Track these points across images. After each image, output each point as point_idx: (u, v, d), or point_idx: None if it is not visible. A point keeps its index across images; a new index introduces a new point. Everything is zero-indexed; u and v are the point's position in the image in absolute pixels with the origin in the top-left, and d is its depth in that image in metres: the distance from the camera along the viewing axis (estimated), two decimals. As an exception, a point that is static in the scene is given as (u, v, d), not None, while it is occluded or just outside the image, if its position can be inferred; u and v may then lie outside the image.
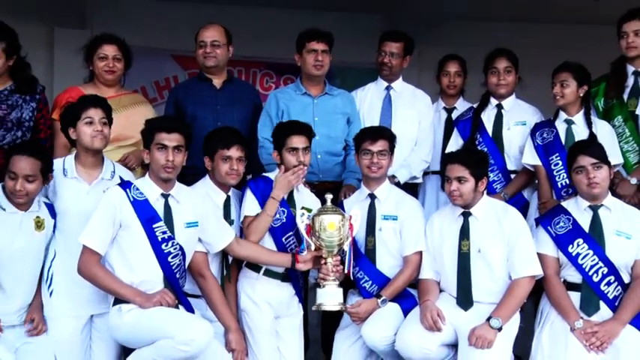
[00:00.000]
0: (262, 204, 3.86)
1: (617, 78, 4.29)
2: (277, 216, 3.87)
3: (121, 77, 4.35)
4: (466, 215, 3.82)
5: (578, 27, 7.60)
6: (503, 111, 4.46)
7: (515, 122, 4.42)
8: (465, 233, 3.80)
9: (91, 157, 3.75)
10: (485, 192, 3.87)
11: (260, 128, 4.37)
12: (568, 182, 3.97)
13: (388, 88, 4.65)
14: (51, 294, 3.67)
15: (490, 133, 4.43)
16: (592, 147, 3.81)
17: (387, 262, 3.96)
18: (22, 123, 3.90)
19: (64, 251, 3.67)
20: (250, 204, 3.88)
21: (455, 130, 4.58)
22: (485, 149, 4.35)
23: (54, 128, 4.11)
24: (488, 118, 4.48)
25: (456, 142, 4.51)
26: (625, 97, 4.26)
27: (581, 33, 7.33)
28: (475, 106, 4.55)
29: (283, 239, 3.90)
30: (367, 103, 4.63)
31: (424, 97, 4.72)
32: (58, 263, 3.68)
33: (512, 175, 4.41)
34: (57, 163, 3.78)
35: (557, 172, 4.15)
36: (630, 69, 4.27)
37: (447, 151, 4.43)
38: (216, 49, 4.39)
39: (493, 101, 4.48)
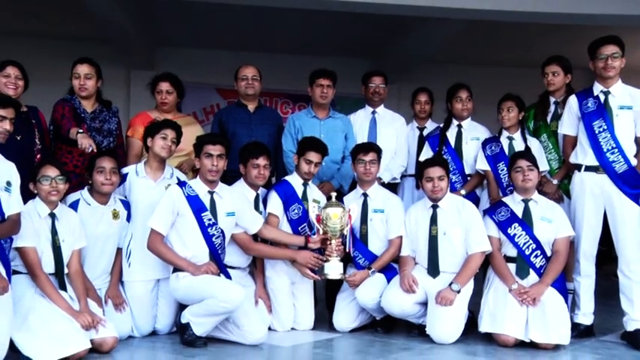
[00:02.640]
0: (284, 202, 3.88)
1: (543, 106, 4.27)
2: (295, 211, 3.89)
3: (177, 104, 4.30)
4: (435, 207, 3.84)
5: (515, 69, 7.61)
6: (462, 129, 4.43)
7: (471, 138, 4.37)
8: (434, 221, 3.82)
9: (157, 162, 3.78)
10: (448, 189, 3.89)
11: (284, 142, 4.38)
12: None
13: (373, 113, 4.62)
14: (130, 265, 3.70)
15: (453, 146, 4.40)
16: (528, 155, 3.87)
17: (376, 244, 3.96)
18: (111, 132, 3.95)
19: (137, 231, 3.69)
20: (275, 203, 3.89)
21: (426, 143, 4.54)
22: (449, 158, 4.34)
23: (128, 143, 4.13)
24: (451, 134, 4.43)
25: (426, 153, 4.48)
26: (548, 120, 4.24)
27: (517, 73, 7.28)
28: (441, 126, 4.52)
29: (299, 228, 3.92)
30: (358, 124, 4.60)
31: (400, 118, 4.70)
32: (133, 241, 3.70)
33: (469, 178, 4.37)
34: (131, 167, 3.82)
35: (503, 175, 4.13)
36: (552, 99, 4.26)
37: (421, 159, 4.39)
38: (255, 82, 4.40)
39: (455, 122, 4.44)
